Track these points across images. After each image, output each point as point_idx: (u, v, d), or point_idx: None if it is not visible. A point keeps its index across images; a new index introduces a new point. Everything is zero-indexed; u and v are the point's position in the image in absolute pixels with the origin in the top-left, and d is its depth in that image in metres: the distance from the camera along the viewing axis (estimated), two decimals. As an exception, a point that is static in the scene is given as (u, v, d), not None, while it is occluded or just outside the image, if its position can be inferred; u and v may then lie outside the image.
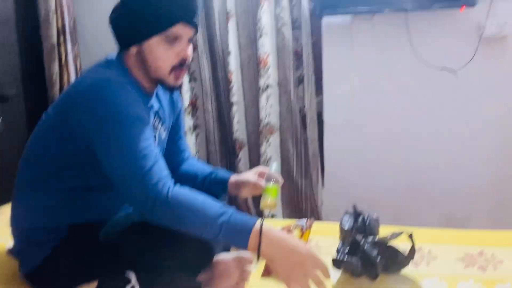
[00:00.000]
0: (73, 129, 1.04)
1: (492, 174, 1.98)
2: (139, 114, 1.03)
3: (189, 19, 1.08)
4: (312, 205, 2.21)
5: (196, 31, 1.12)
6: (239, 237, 0.93)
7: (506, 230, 1.36)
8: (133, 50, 1.09)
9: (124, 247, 1.02)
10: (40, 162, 1.10)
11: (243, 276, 1.08)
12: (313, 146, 2.20)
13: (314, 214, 2.21)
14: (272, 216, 2.21)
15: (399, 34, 1.95)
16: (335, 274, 1.11)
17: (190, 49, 1.12)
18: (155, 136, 1.19)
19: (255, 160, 2.29)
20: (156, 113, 1.20)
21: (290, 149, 2.21)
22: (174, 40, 1.07)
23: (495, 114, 1.95)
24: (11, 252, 1.16)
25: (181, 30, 1.07)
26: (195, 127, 2.34)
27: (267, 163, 2.20)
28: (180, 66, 1.10)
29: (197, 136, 2.35)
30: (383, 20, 1.98)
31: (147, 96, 1.16)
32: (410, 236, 0.99)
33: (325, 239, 1.29)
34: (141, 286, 0.96)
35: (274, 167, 1.30)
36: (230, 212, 0.95)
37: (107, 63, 1.12)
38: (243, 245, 0.93)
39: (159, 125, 1.22)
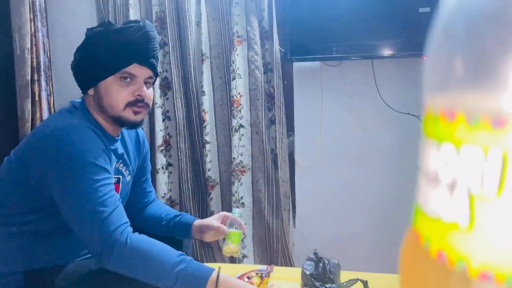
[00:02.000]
0: (33, 175, 1.04)
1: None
2: (99, 160, 1.04)
3: (143, 60, 1.11)
4: (283, 245, 2.21)
5: (155, 72, 1.16)
6: (195, 286, 0.94)
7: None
8: (91, 92, 1.12)
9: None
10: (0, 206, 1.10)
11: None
12: (284, 187, 2.22)
13: (285, 255, 2.21)
14: (244, 257, 2.20)
15: (366, 79, 2.04)
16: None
17: (149, 90, 1.15)
18: (119, 179, 1.20)
19: (227, 199, 2.30)
20: (121, 156, 1.22)
21: (262, 189, 2.23)
22: (129, 79, 1.10)
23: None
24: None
25: (135, 70, 1.11)
26: (168, 165, 2.35)
27: (238, 202, 2.21)
28: (136, 102, 1.12)
29: (170, 174, 2.35)
30: (351, 66, 2.06)
31: (111, 139, 1.18)
32: (365, 283, 1.01)
33: (287, 284, 1.29)
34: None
35: (237, 213, 1.32)
36: (188, 260, 0.96)
37: (71, 108, 1.14)
38: None
39: (124, 168, 1.23)
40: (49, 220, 1.08)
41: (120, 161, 1.21)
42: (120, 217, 0.99)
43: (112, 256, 0.94)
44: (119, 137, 1.22)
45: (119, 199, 1.04)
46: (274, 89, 2.18)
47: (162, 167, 2.31)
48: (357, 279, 1.03)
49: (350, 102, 2.10)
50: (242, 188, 2.23)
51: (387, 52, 1.95)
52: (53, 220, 1.07)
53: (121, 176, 1.22)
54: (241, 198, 2.23)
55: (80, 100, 1.17)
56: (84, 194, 0.98)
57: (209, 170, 2.26)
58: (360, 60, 2.00)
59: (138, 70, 1.11)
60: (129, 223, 1.01)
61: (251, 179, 2.24)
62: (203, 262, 2.17)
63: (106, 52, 1.09)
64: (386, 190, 2.10)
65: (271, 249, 2.22)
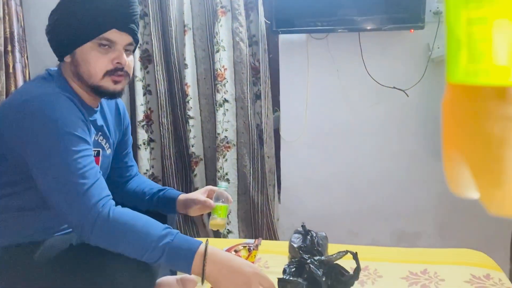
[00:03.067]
0: (6, 146, 0.99)
1: (440, 191, 2.04)
2: (78, 130, 0.99)
3: (123, 25, 1.05)
4: (268, 221, 2.20)
5: (136, 39, 1.10)
6: (182, 259, 0.91)
7: (451, 247, 1.39)
8: (68, 59, 1.06)
9: (61, 271, 0.97)
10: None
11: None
12: (269, 162, 2.20)
13: (270, 230, 2.20)
14: (228, 233, 2.19)
15: (352, 52, 2.00)
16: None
17: (129, 57, 1.09)
18: (98, 152, 1.14)
19: (211, 176, 2.26)
20: (100, 128, 1.16)
21: (247, 164, 2.20)
22: (107, 46, 1.04)
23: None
24: None
25: (114, 36, 1.04)
26: (149, 141, 2.29)
27: (223, 178, 2.18)
28: (116, 70, 1.06)
29: (152, 150, 2.30)
30: (337, 39, 2.02)
31: (90, 109, 1.12)
32: (355, 255, 1.00)
33: (275, 257, 1.28)
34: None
35: (223, 186, 1.28)
36: (174, 233, 0.92)
37: (46, 76, 1.08)
38: (187, 268, 0.91)
39: (103, 141, 1.18)
40: (24, 194, 1.02)
41: (100, 133, 1.16)
42: (102, 190, 0.95)
43: (94, 230, 0.90)
44: (98, 108, 1.17)
45: (99, 172, 0.99)
46: (259, 63, 2.12)
47: (144, 143, 2.25)
48: (347, 251, 1.02)
49: (336, 76, 2.06)
50: (227, 164, 2.20)
51: (373, 25, 1.91)
52: (29, 194, 1.02)
53: (100, 149, 1.17)
54: (226, 174, 2.20)
55: (56, 68, 1.10)
56: (63, 166, 0.93)
57: (192, 146, 2.21)
58: (346, 32, 1.96)
59: (118, 36, 1.05)
60: (111, 196, 0.96)
61: (236, 155, 2.20)
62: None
63: (83, 16, 1.02)
64: (371, 165, 2.10)
65: (256, 224, 2.21)
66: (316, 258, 1.05)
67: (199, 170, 2.25)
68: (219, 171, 2.19)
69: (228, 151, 2.19)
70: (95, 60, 1.04)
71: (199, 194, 1.26)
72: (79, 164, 0.94)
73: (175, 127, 2.26)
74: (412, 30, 1.87)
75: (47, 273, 0.98)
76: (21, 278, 0.99)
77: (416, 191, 2.07)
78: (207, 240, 0.96)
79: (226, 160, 2.19)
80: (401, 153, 2.07)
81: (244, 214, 2.24)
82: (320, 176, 2.17)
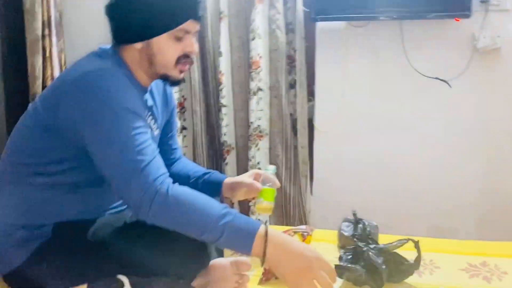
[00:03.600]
0: (61, 122, 0.97)
1: (480, 185, 1.98)
2: (135, 107, 0.97)
3: (197, 14, 1.05)
4: (300, 212, 2.17)
5: (200, 25, 1.08)
6: (243, 240, 0.88)
7: (504, 241, 1.35)
8: (138, 45, 1.04)
9: (115, 249, 0.95)
10: (25, 156, 1.02)
11: (241, 281, 1.02)
12: (303, 153, 2.16)
13: (302, 222, 2.17)
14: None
15: (393, 42, 1.95)
16: (337, 282, 1.06)
17: (196, 43, 1.08)
18: None
19: (242, 165, 2.24)
20: (150, 108, 1.14)
21: (280, 154, 2.17)
22: (182, 36, 1.04)
23: (486, 125, 1.96)
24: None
25: (190, 26, 1.04)
26: (182, 128, 2.28)
27: (255, 168, 2.16)
28: (184, 57, 1.06)
29: (184, 138, 2.28)
30: (378, 27, 1.97)
31: (142, 89, 1.10)
32: (416, 244, 0.96)
33: (323, 246, 1.25)
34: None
35: (271, 169, 1.25)
36: (233, 213, 0.90)
37: (101, 53, 1.06)
38: (247, 249, 0.88)
39: (152, 122, 1.16)
40: (77, 171, 1.01)
41: (149, 113, 1.14)
42: (159, 167, 0.93)
43: (152, 208, 0.88)
44: (149, 88, 1.15)
45: (157, 149, 0.97)
46: (295, 51, 2.09)
47: (176, 131, 2.23)
48: (408, 239, 0.98)
49: (375, 66, 2.01)
50: (259, 153, 2.17)
51: (417, 13, 1.85)
52: (81, 171, 1.00)
53: (149, 130, 1.15)
54: (258, 163, 2.17)
55: (110, 46, 1.08)
56: (121, 143, 0.91)
57: (225, 135, 2.19)
58: (388, 21, 1.91)
59: (192, 26, 1.05)
60: (168, 174, 0.94)
61: (268, 144, 2.17)
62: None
63: (162, 6, 1.01)
64: (409, 158, 2.05)
65: (288, 215, 2.18)
66: (372, 246, 1.02)
67: (231, 159, 2.23)
68: (250, 160, 2.17)
69: (260, 140, 2.16)
70: (171, 51, 1.04)
71: (246, 177, 1.24)
72: (137, 141, 0.92)
73: (208, 115, 2.24)
74: (457, 19, 1.81)
75: (100, 251, 0.96)
76: (74, 255, 0.97)
77: (455, 185, 2.02)
78: (266, 221, 0.94)
79: (258, 149, 2.17)
80: (440, 146, 2.01)
81: (276, 204, 2.18)
82: (355, 168, 2.13)
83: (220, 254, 1.14)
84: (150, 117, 1.15)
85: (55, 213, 1.01)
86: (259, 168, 2.15)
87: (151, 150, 0.94)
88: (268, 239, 0.86)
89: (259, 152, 2.17)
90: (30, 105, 1.06)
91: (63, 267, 0.96)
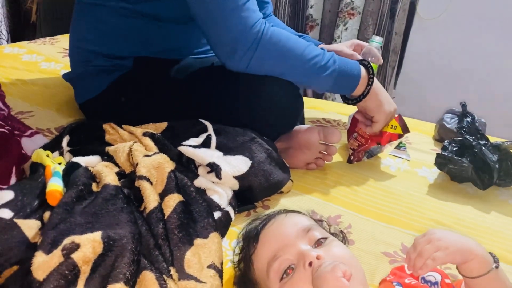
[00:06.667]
0: None
1: None
2: None
3: None
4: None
5: None
6: (347, 83, 0.88)
7: None
8: None
9: (198, 91, 0.87)
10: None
11: (327, 152, 0.92)
12: (396, 40, 1.92)
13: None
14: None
15: None
16: (433, 174, 0.94)
17: None
18: None
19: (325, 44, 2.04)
20: None
21: (369, 38, 1.94)
22: None
23: None
24: (69, 78, 1.02)
25: None
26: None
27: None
28: None
29: (266, 5, 2.08)
30: None
31: None
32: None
33: (416, 135, 1.11)
34: (217, 137, 0.81)
35: (376, 41, 1.07)
36: (336, 57, 0.87)
37: None
38: (348, 91, 0.90)
39: None
40: (166, 3, 0.88)
41: None
42: (255, 8, 0.80)
43: (258, 49, 0.78)
44: None
45: None
46: None
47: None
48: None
49: None
50: (346, 34, 1.95)
51: None
52: (171, 4, 0.88)
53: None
54: (342, 45, 1.96)
55: None
56: None
57: (311, 7, 1.97)
58: None
59: None
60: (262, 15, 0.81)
61: (359, 25, 1.94)
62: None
63: None
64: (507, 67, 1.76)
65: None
66: (483, 142, 0.87)
67: (312, 36, 2.03)
68: (335, 40, 1.96)
69: (351, 18, 1.93)
70: None
71: (345, 47, 1.07)
72: None
73: (295, -18, 2.00)
74: None
75: (183, 91, 0.88)
76: (154, 91, 0.90)
77: None
78: (368, 62, 0.90)
79: (346, 28, 1.94)
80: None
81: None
82: (451, 68, 1.88)
83: (302, 122, 1.04)
84: None
85: (136, 44, 0.92)
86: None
87: None
88: (370, 82, 0.89)
89: (346, 32, 1.95)
90: None
91: (142, 102, 0.89)
